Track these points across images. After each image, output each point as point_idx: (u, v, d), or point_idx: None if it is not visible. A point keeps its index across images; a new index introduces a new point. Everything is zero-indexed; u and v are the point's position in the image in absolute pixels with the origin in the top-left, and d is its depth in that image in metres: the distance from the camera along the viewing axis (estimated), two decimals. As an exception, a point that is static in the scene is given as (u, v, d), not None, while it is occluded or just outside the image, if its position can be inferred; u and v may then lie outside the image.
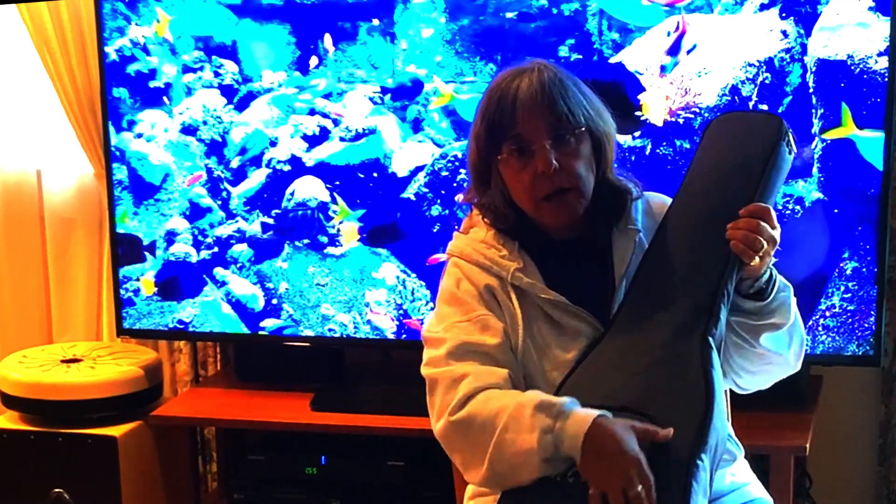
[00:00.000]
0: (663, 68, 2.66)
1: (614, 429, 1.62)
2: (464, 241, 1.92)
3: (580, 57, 2.71)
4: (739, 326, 1.80)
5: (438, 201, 2.88)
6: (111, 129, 3.09)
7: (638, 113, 2.68)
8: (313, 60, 2.91)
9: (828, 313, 2.64)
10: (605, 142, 1.85)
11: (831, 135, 2.58)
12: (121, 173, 3.09)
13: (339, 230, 2.95)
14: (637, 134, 2.69)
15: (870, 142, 2.56)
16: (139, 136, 3.07)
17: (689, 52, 2.64)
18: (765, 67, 2.61)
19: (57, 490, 3.05)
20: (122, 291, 3.14)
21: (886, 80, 2.54)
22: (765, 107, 2.62)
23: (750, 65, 2.62)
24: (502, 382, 1.76)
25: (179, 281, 3.08)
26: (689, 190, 1.88)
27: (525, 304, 1.83)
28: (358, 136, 2.91)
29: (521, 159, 1.80)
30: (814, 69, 2.58)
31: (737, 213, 1.75)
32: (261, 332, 3.06)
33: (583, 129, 1.81)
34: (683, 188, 1.89)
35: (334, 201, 2.94)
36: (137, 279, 3.13)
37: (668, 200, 1.91)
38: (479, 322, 1.82)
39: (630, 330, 1.78)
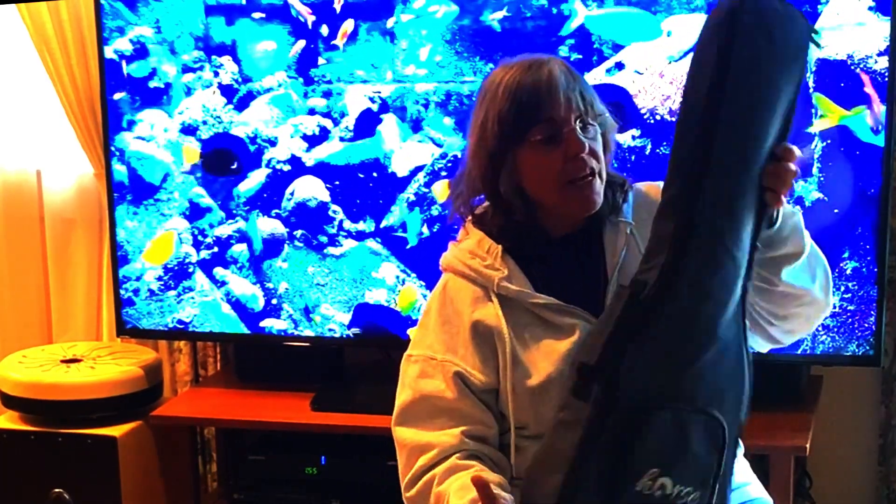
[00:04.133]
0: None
1: None
2: (452, 251, 1.93)
3: (580, 57, 2.71)
4: (757, 264, 1.73)
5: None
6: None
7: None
8: (313, 61, 2.91)
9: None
10: (611, 135, 1.87)
11: (820, 125, 2.58)
12: (120, 174, 3.10)
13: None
14: (637, 134, 2.69)
15: (859, 120, 2.56)
16: (139, 137, 3.07)
17: (688, 52, 2.64)
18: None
19: (57, 490, 3.05)
20: (122, 291, 3.14)
21: (886, 80, 2.54)
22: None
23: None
24: (458, 444, 1.80)
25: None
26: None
27: (513, 312, 1.83)
28: (357, 137, 2.92)
29: (550, 145, 1.79)
30: (814, 69, 2.58)
31: (764, 151, 1.65)
32: (265, 331, 3.07)
33: (602, 116, 1.83)
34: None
35: (335, 202, 2.95)
36: (138, 279, 3.13)
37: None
38: (441, 367, 1.84)
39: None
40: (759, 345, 1.87)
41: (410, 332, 1.94)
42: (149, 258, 3.10)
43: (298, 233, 2.98)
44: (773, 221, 1.71)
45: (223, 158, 2.99)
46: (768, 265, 1.74)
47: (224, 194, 3.02)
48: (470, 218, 1.92)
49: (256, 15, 2.93)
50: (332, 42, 2.88)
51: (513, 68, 1.82)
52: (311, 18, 2.89)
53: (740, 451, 1.96)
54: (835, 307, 2.64)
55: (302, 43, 2.90)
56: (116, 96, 3.06)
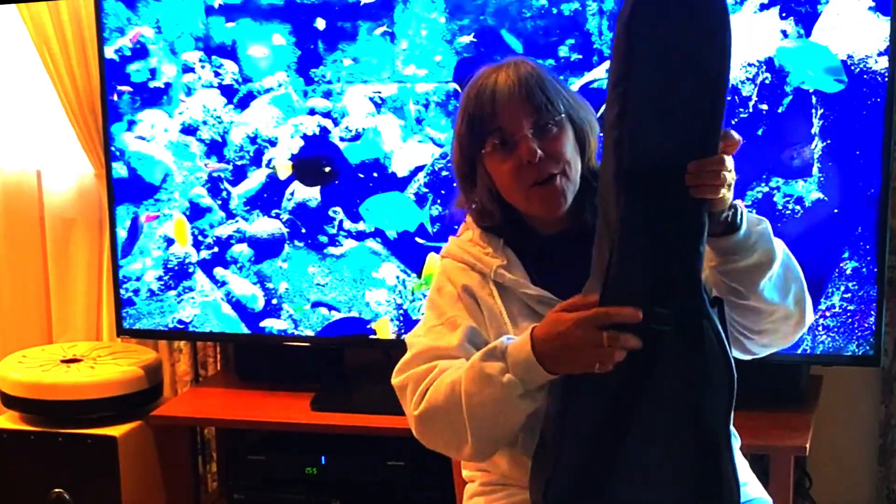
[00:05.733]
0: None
1: (548, 325, 1.62)
2: (453, 241, 1.94)
3: (580, 57, 2.71)
4: (727, 276, 1.73)
5: (438, 201, 2.88)
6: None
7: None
8: (313, 60, 2.91)
9: (828, 313, 2.64)
10: (588, 131, 1.85)
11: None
12: (121, 173, 3.10)
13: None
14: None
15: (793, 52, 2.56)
16: (140, 137, 3.07)
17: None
18: (765, 67, 2.61)
19: (57, 490, 3.05)
20: (122, 291, 3.15)
21: (886, 80, 2.54)
22: (765, 107, 2.62)
23: (750, 65, 2.62)
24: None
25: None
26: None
27: (509, 302, 1.83)
28: (357, 136, 2.92)
29: (504, 152, 1.80)
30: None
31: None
32: (264, 331, 3.06)
33: (562, 116, 1.81)
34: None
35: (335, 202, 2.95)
36: (138, 279, 3.13)
37: None
38: (448, 324, 1.83)
39: None
40: (738, 354, 1.85)
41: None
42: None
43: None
44: (732, 225, 1.69)
45: (315, 166, 2.97)
46: (740, 277, 1.73)
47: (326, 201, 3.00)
48: (471, 214, 1.93)
49: (257, 15, 2.94)
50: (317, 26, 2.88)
51: (472, 80, 1.85)
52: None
53: (737, 440, 1.96)
54: (834, 307, 2.64)
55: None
56: (121, 86, 3.06)
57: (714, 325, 1.62)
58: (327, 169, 2.94)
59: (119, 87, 3.06)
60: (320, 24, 2.89)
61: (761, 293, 1.75)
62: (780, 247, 1.77)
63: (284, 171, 2.96)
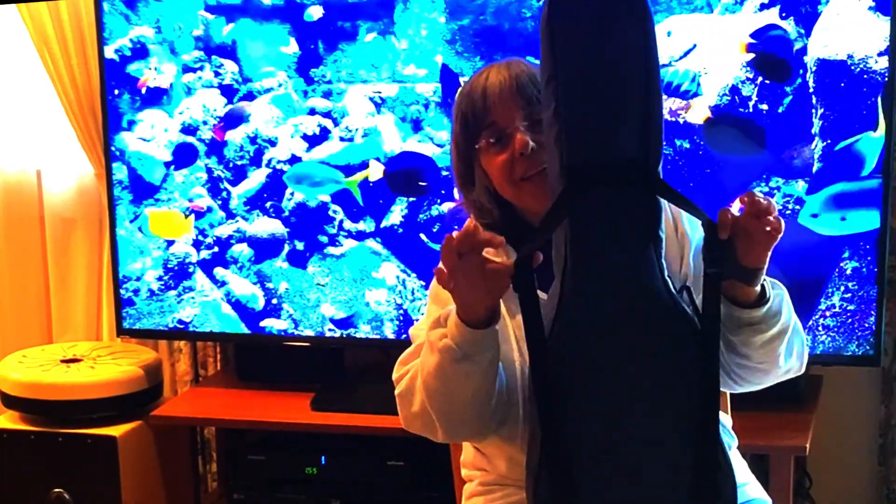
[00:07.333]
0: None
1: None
2: None
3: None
4: (748, 346, 1.68)
5: (438, 201, 2.88)
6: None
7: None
8: (313, 60, 2.91)
9: (828, 313, 2.64)
10: None
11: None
12: (121, 173, 3.10)
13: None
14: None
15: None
16: (140, 137, 3.07)
17: (688, 52, 2.64)
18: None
19: (57, 490, 3.05)
20: (122, 291, 3.15)
21: (886, 80, 2.54)
22: (765, 107, 2.62)
23: (750, 64, 2.62)
24: None
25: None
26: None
27: (507, 298, 1.83)
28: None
29: (499, 147, 1.81)
30: (814, 69, 2.58)
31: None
32: (264, 331, 3.07)
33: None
34: None
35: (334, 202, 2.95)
36: (138, 279, 3.13)
37: None
38: (446, 318, 1.82)
39: None
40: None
41: (411, 329, 1.93)
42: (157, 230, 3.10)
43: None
44: (763, 293, 1.65)
45: (409, 178, 2.96)
46: (762, 347, 1.69)
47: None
48: (471, 214, 1.93)
49: (256, 15, 2.94)
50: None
51: (469, 78, 1.87)
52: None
53: (734, 440, 1.96)
54: (834, 307, 2.64)
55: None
56: (121, 87, 3.06)
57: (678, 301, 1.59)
58: (423, 183, 2.91)
59: (119, 88, 3.07)
60: (320, 22, 2.89)
61: (777, 361, 1.73)
62: (790, 309, 1.73)
63: (377, 173, 2.94)
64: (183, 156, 3.04)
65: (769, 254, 1.61)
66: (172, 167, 3.05)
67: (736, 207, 1.63)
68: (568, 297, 1.56)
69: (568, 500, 1.58)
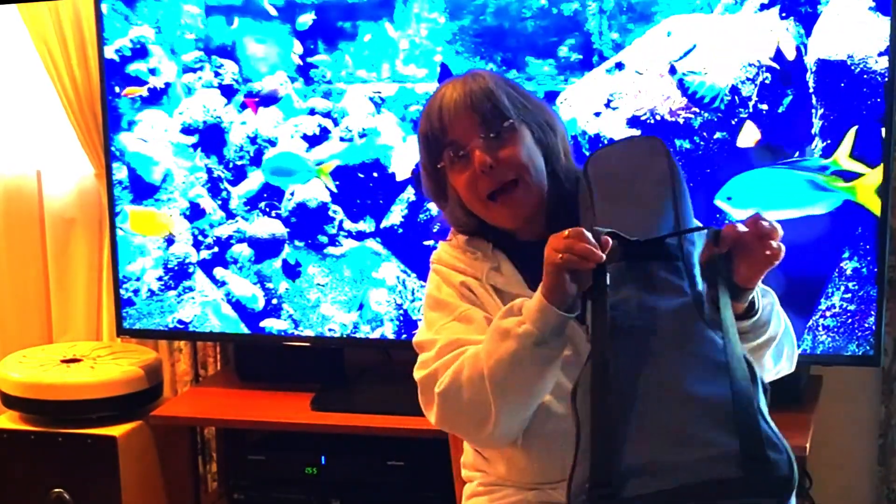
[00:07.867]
0: (672, 69, 2.66)
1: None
2: (442, 247, 1.95)
3: (581, 57, 2.71)
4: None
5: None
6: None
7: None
8: (313, 60, 2.91)
9: (828, 313, 2.64)
10: (548, 131, 1.85)
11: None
12: (121, 173, 3.10)
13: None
14: (637, 134, 2.69)
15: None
16: (140, 137, 3.07)
17: (688, 52, 2.64)
18: (765, 67, 2.61)
19: (57, 490, 3.05)
20: (122, 291, 3.15)
21: (886, 80, 2.54)
22: (765, 107, 2.62)
23: (750, 65, 2.62)
24: None
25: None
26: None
27: (506, 301, 1.83)
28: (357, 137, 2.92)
29: (461, 164, 1.82)
30: (814, 69, 2.58)
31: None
32: (265, 332, 3.07)
33: (512, 121, 1.81)
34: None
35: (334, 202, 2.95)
36: (138, 279, 3.13)
37: None
38: (463, 318, 1.83)
39: None
40: None
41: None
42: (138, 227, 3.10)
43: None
44: (752, 305, 1.69)
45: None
46: (751, 354, 1.69)
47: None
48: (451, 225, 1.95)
49: (257, 15, 2.94)
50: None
51: (426, 100, 1.89)
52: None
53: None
54: (834, 307, 2.64)
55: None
56: (121, 86, 3.06)
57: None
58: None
59: (119, 85, 3.07)
60: (320, 21, 2.89)
61: (764, 364, 1.77)
62: (782, 313, 1.77)
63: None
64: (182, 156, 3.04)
65: (761, 278, 1.65)
66: (172, 167, 3.05)
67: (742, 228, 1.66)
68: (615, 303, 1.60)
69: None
